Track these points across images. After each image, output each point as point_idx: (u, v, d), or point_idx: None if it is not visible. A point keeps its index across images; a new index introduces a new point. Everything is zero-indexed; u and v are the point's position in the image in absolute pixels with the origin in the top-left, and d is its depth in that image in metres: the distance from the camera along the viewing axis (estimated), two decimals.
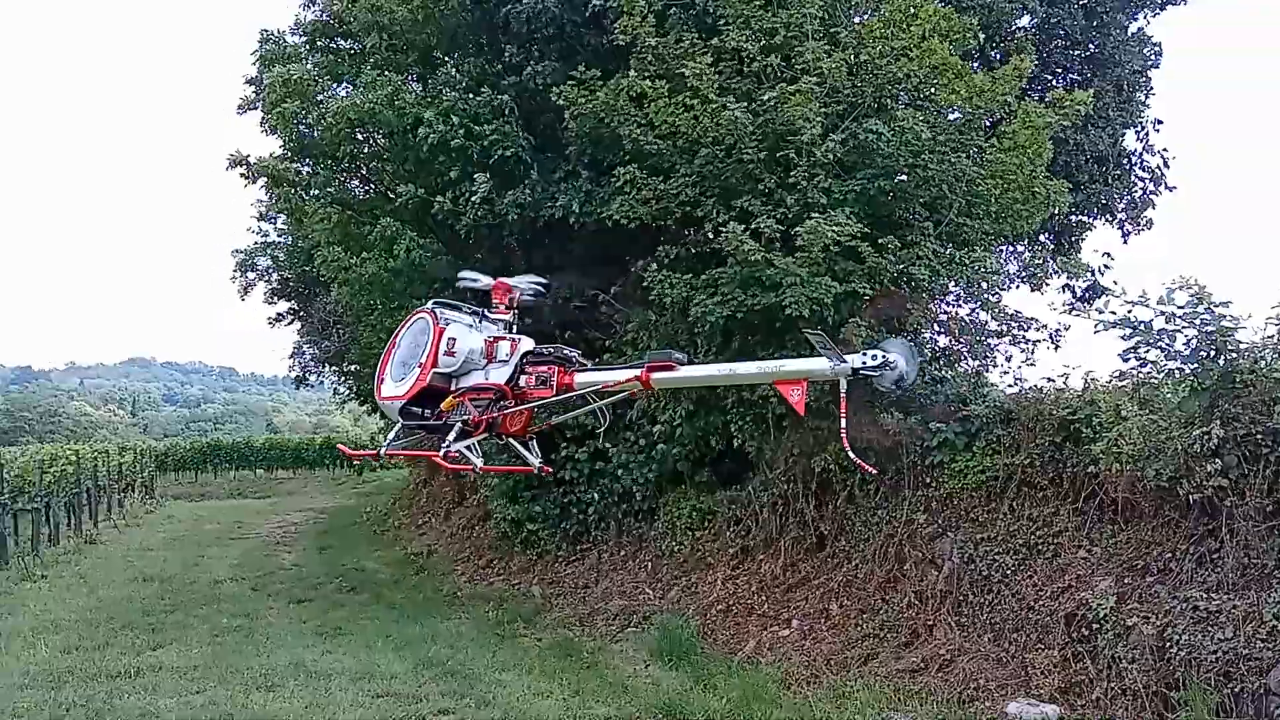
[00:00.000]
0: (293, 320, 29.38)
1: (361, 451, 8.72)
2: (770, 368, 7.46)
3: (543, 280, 9.24)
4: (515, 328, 7.90)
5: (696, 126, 10.37)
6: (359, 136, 14.36)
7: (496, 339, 7.75)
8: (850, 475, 10.09)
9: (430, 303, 7.76)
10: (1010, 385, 10.03)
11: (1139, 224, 15.98)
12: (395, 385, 7.76)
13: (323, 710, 8.17)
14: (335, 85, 14.09)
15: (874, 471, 8.59)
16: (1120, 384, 8.31)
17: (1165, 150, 16.25)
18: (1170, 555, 7.10)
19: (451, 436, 7.36)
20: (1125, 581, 7.24)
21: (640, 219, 11.19)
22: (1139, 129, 15.66)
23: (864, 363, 6.50)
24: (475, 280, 8.18)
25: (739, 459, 11.94)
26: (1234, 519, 6.66)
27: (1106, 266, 13.90)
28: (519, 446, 7.78)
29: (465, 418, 7.47)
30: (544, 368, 7.83)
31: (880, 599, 9.30)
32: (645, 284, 11.14)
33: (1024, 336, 10.43)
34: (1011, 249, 13.51)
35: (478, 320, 7.88)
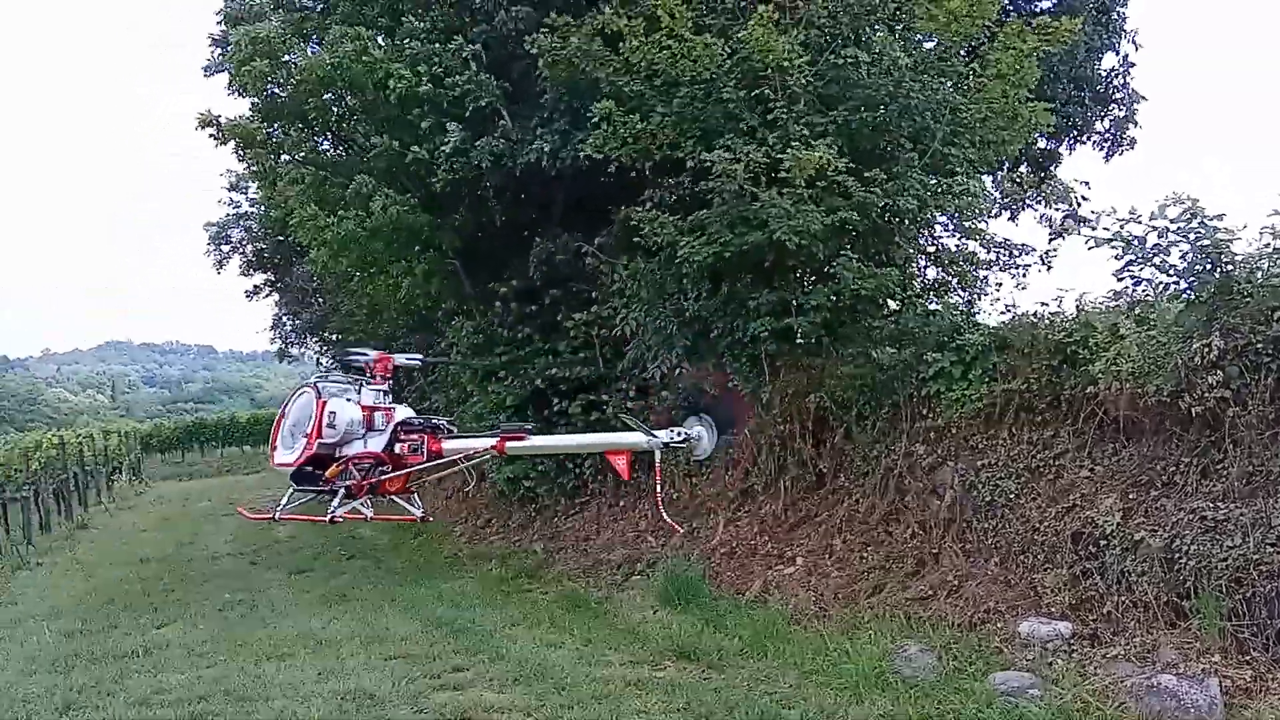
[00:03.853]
0: (270, 292, 29.13)
1: (259, 515, 9.01)
2: (601, 440, 8.68)
3: (419, 355, 10.67)
4: (391, 396, 8.46)
5: (675, 66, 10.19)
6: (328, 95, 14.05)
7: (374, 409, 8.32)
8: (847, 413, 10.09)
9: (313, 377, 8.41)
10: (1003, 312, 10.00)
11: (1121, 143, 15.93)
12: (286, 453, 8.26)
13: (336, 676, 8.13)
14: (303, 43, 13.72)
15: (681, 531, 10.41)
16: (1115, 304, 8.31)
17: (1130, 60, 16.15)
18: (1174, 469, 7.10)
19: (336, 501, 7.94)
20: (1130, 497, 7.26)
21: (619, 158, 11.02)
22: (1116, 49, 15.55)
23: (671, 438, 7.99)
24: (363, 355, 8.91)
25: (733, 403, 11.92)
26: (1237, 429, 6.67)
27: (1084, 198, 13.90)
28: (403, 503, 8.37)
29: (349, 483, 7.99)
30: (416, 436, 8.49)
31: (884, 531, 9.32)
32: (634, 224, 10.99)
33: (1014, 262, 10.38)
34: (991, 178, 13.43)
35: (355, 390, 8.40)
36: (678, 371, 11.63)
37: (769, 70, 9.96)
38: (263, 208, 23.77)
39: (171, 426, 46.42)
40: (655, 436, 8.01)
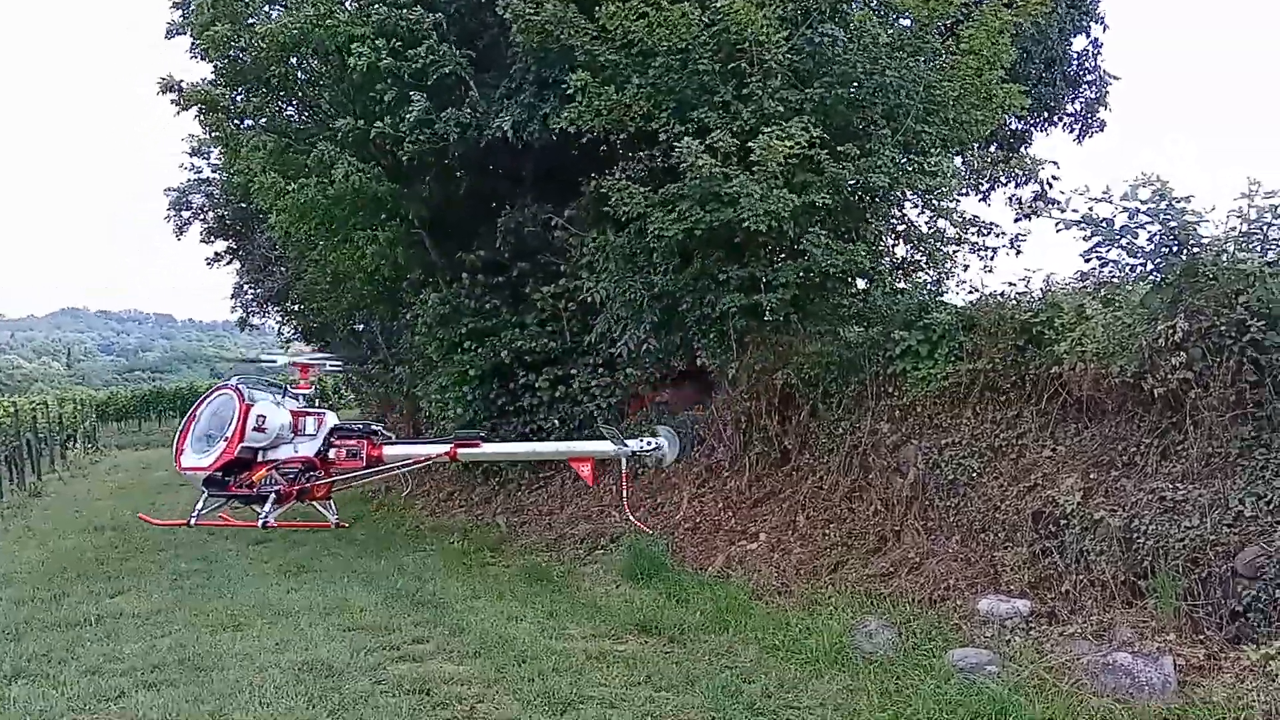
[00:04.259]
0: (231, 259, 28.60)
1: (169, 521, 8.81)
2: (566, 448, 8.57)
3: (340, 356, 10.41)
4: (316, 401, 8.30)
5: (651, 34, 10.05)
6: (292, 60, 13.75)
7: (302, 413, 8.12)
8: (813, 390, 10.10)
9: (234, 379, 8.15)
10: (970, 292, 10.03)
11: (1091, 125, 16.04)
12: (197, 457, 8.03)
13: (293, 647, 8.03)
14: (267, 6, 13.38)
15: (650, 533, 10.26)
16: (1082, 285, 8.34)
17: (1100, 42, 16.24)
18: (1135, 449, 7.16)
19: (268, 507, 7.75)
20: (1091, 477, 7.32)
21: (593, 130, 10.89)
22: (1087, 32, 15.61)
23: (641, 446, 7.92)
24: (275, 360, 8.66)
25: (700, 379, 11.90)
26: (1198, 410, 6.73)
27: (1054, 178, 13.96)
28: (319, 507, 8.25)
29: (276, 488, 7.84)
30: (353, 441, 8.29)
31: (847, 508, 9.37)
32: (604, 194, 10.87)
33: (982, 243, 10.41)
34: (961, 157, 13.48)
35: (281, 395, 8.21)
36: (645, 346, 11.55)
37: (746, 43, 9.86)
38: (224, 174, 23.32)
39: (128, 395, 45.71)
40: (626, 445, 8.00)
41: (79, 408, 33.24)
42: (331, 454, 8.28)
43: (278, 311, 29.02)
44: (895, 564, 8.31)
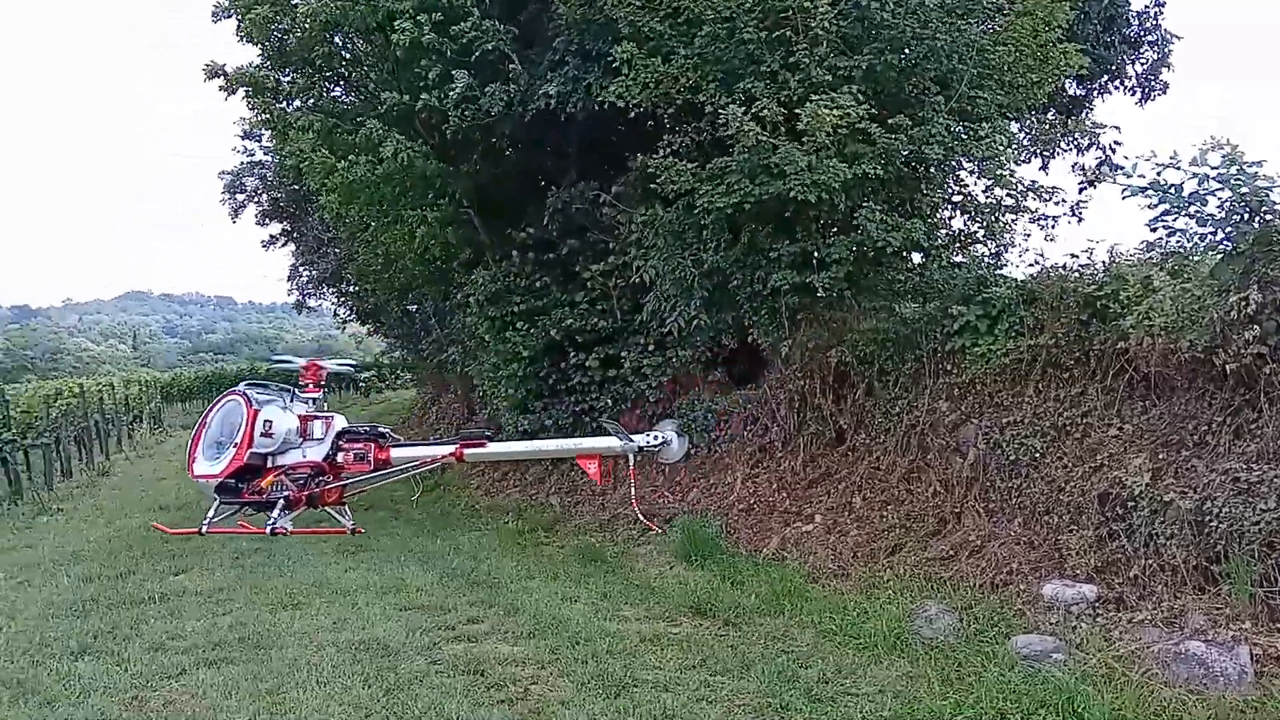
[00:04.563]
0: (286, 242, 28.99)
1: (181, 530, 8.83)
2: (572, 445, 8.47)
3: (352, 360, 10.26)
4: (325, 405, 8.24)
5: (698, 2, 9.85)
6: (335, 39, 13.76)
7: (310, 417, 8.05)
8: (869, 368, 9.90)
9: (242, 385, 8.10)
10: (1031, 265, 9.71)
11: (1154, 87, 15.45)
12: (209, 464, 8.01)
13: (351, 625, 8.14)
14: None
15: (660, 531, 10.28)
16: (1148, 256, 8.03)
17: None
18: (1206, 428, 6.86)
19: (276, 512, 7.71)
20: (1160, 457, 7.04)
21: (639, 104, 10.74)
22: None
23: (648, 441, 7.79)
24: (289, 361, 8.60)
25: (753, 357, 11.74)
26: (1273, 387, 6.43)
27: (1117, 143, 13.46)
28: (333, 513, 8.18)
29: (286, 494, 7.78)
30: (360, 444, 8.19)
31: (904, 490, 9.16)
32: (650, 172, 10.72)
33: (1042, 211, 10.06)
34: (1018, 124, 13.08)
35: (289, 399, 8.13)
36: (695, 324, 11.42)
37: (791, 10, 9.62)
38: (276, 156, 23.56)
39: (191, 376, 46.65)
40: (632, 441, 7.97)
41: (144, 389, 34.05)
42: (340, 458, 8.31)
43: (333, 293, 29.39)
44: (955, 547, 8.11)
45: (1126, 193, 7.23)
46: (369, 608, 8.72)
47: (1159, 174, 7.05)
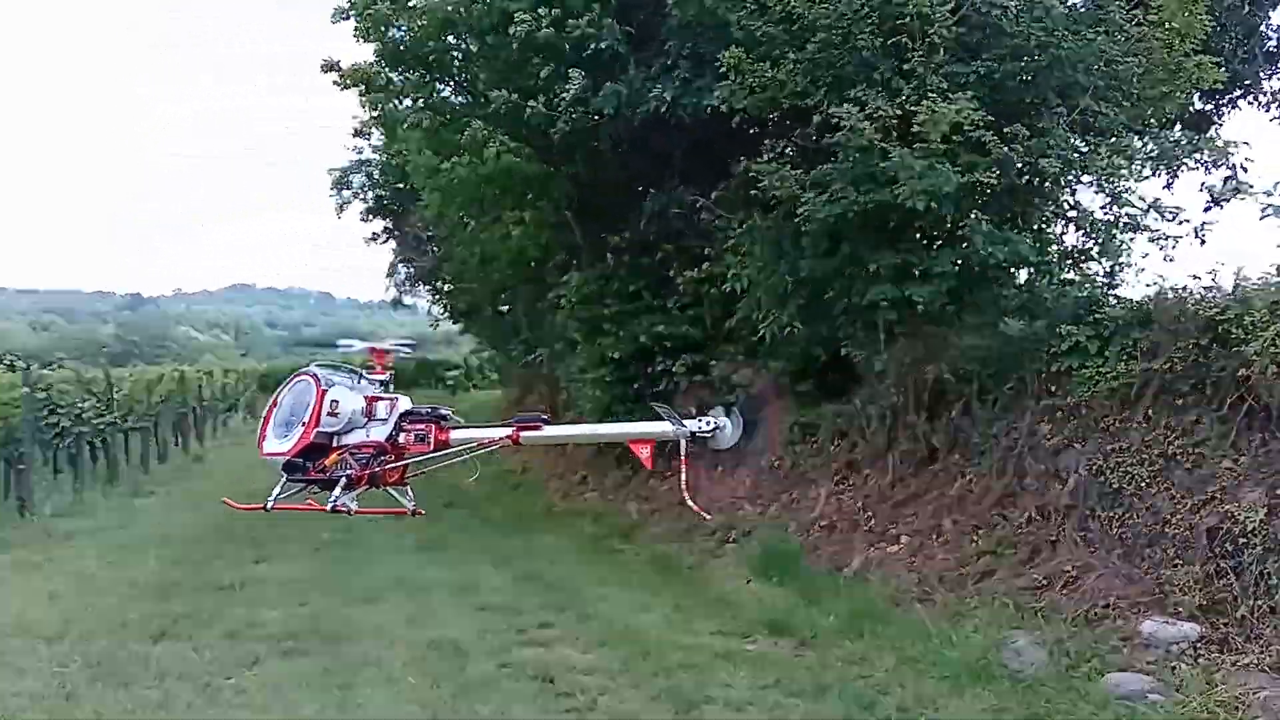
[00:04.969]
0: (388, 239, 29.64)
1: (250, 506, 9.05)
2: (624, 430, 8.39)
3: (411, 339, 10.54)
4: (391, 386, 8.46)
5: (812, 9, 9.62)
6: (449, 39, 13.90)
7: (375, 398, 8.23)
8: (967, 386, 9.47)
9: (312, 365, 8.31)
10: (1149, 285, 9.16)
11: None
12: (278, 443, 8.24)
13: (424, 623, 8.14)
14: None
15: (708, 518, 10.10)
16: (1278, 279, 7.48)
17: None
18: None
19: (338, 490, 7.86)
20: (1278, 494, 6.54)
21: (745, 110, 10.54)
22: None
23: (700, 427, 7.91)
24: (351, 345, 8.86)
25: (844, 370, 11.39)
26: None
27: (1249, 160, 12.69)
28: (395, 494, 8.29)
29: (348, 472, 7.91)
30: (421, 425, 8.32)
31: (997, 514, 8.71)
32: (752, 177, 10.50)
33: (1163, 231, 9.49)
34: (1143, 139, 12.46)
35: (356, 380, 8.34)
36: (787, 334, 11.12)
37: (909, 17, 9.31)
38: (384, 155, 24.07)
39: (288, 367, 47.91)
40: (684, 426, 7.90)
41: (241, 378, 35.12)
42: (401, 438, 8.53)
43: (428, 290, 29.89)
44: (1049, 577, 7.65)
45: (1267, 211, 6.75)
46: (443, 606, 8.73)
47: None
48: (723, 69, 10.45)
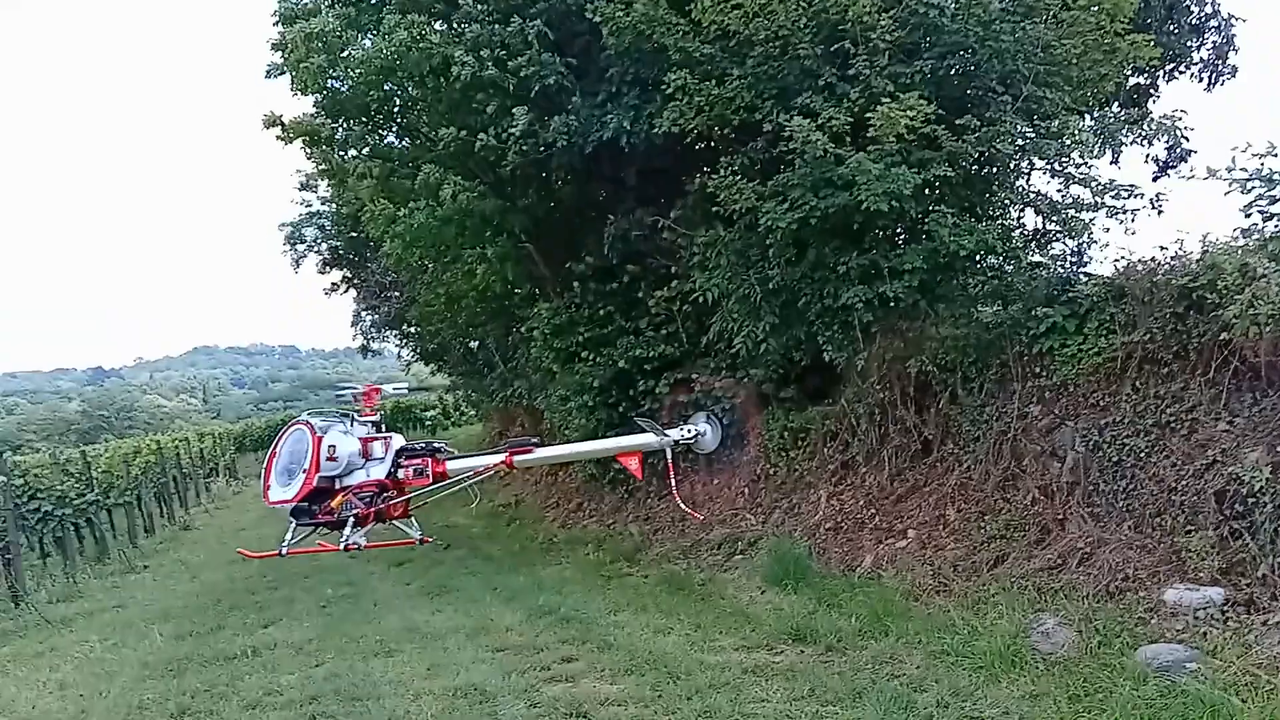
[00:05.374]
0: (348, 288, 29.48)
1: (264, 553, 9.30)
2: (612, 444, 8.91)
3: (405, 383, 11.10)
4: (383, 426, 8.84)
5: (748, 25, 9.76)
6: (389, 86, 13.89)
7: (370, 439, 8.67)
8: (951, 375, 9.63)
9: (304, 414, 8.70)
10: (1116, 260, 9.38)
11: (1222, 72, 14.98)
12: (282, 490, 8.63)
13: (445, 671, 8.03)
14: (359, 36, 13.55)
15: (699, 518, 10.78)
16: (1244, 242, 7.67)
17: None
18: None
19: (348, 530, 8.23)
20: (1278, 450, 6.70)
21: (695, 129, 10.64)
22: None
23: (682, 435, 8.61)
24: (352, 387, 9.29)
25: (826, 372, 11.50)
26: None
27: (1190, 129, 13.05)
28: (402, 526, 8.86)
29: (354, 511, 8.30)
30: (418, 460, 8.78)
31: (1001, 499, 8.86)
32: (710, 193, 10.60)
33: (1121, 207, 9.70)
34: (1087, 118, 12.76)
35: (349, 424, 8.77)
36: (764, 344, 11.21)
37: (848, 24, 9.47)
38: (334, 205, 23.96)
39: (262, 426, 47.41)
40: (667, 435, 8.28)
41: (218, 441, 34.66)
42: (400, 474, 8.92)
43: (396, 335, 29.75)
44: (1063, 555, 7.77)
45: (1232, 186, 6.95)
46: (461, 651, 8.63)
47: (1262, 162, 6.76)
48: (669, 90, 10.55)
